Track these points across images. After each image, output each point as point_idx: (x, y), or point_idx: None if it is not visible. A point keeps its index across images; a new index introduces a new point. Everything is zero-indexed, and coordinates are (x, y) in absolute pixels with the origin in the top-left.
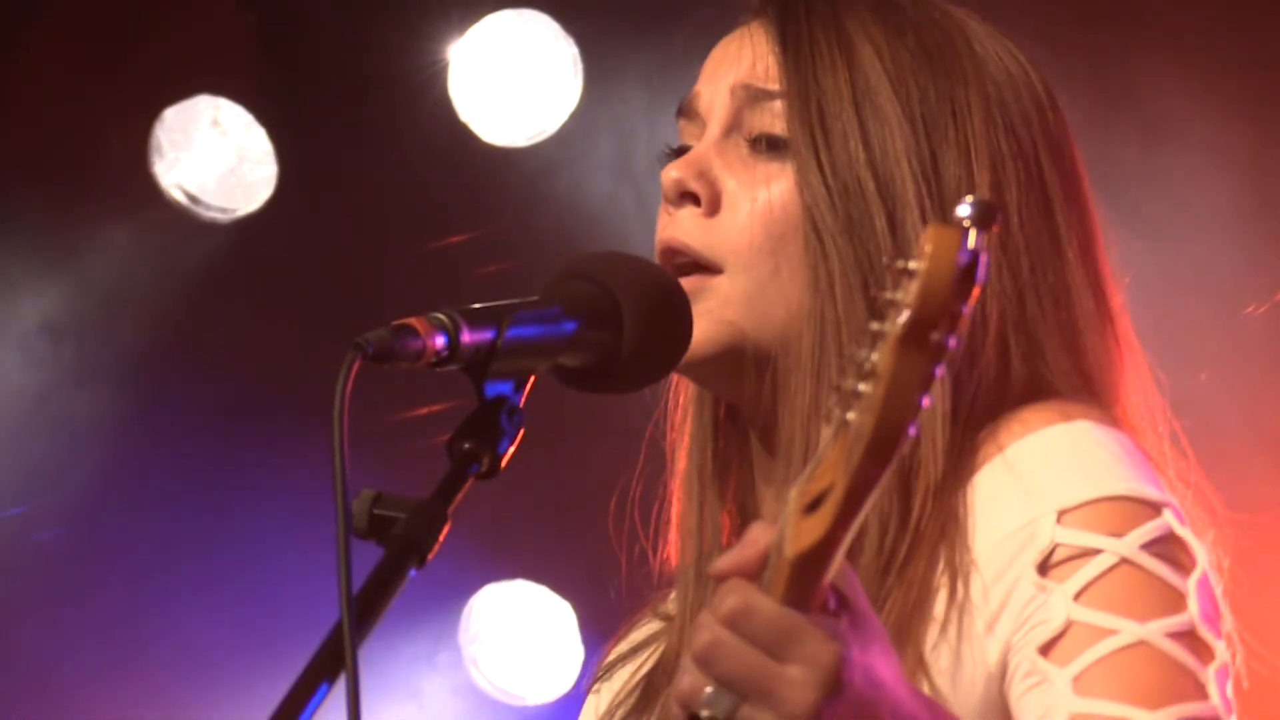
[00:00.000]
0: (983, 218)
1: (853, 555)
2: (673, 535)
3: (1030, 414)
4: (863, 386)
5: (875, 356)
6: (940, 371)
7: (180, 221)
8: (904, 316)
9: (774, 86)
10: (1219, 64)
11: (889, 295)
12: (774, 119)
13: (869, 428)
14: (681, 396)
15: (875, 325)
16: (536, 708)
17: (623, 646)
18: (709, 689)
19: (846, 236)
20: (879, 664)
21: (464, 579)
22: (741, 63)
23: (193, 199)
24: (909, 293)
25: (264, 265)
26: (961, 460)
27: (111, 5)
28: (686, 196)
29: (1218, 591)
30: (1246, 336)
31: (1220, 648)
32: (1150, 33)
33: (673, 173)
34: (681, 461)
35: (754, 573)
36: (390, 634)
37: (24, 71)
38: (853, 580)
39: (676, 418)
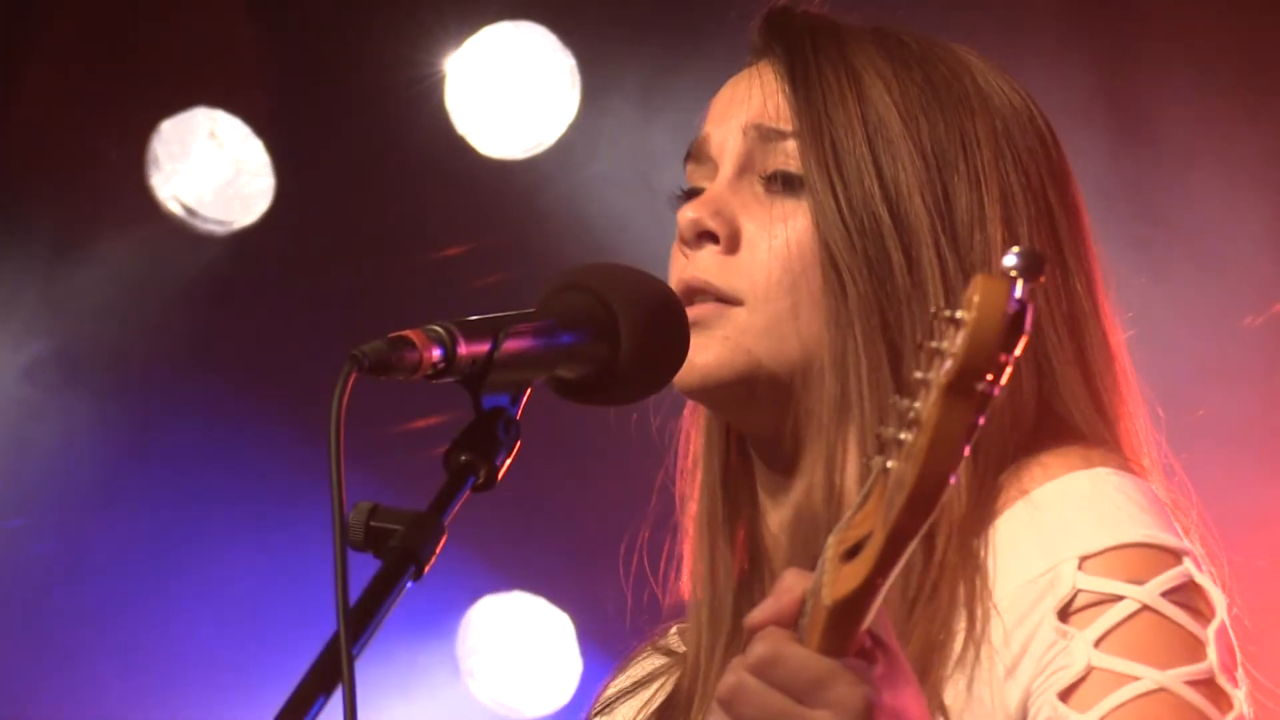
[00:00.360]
0: (1030, 268)
1: None
2: (685, 572)
3: (1051, 459)
4: (904, 435)
5: (918, 405)
6: (983, 420)
7: (177, 234)
8: (950, 366)
9: (786, 126)
10: (1228, 72)
11: (934, 344)
12: (787, 158)
13: (912, 477)
14: (693, 445)
15: (919, 374)
16: None
17: (623, 681)
18: None
19: (865, 272)
20: (909, 708)
21: (461, 590)
22: (751, 103)
23: (190, 211)
24: (955, 343)
25: (261, 277)
26: (983, 501)
27: (109, 18)
28: (705, 236)
29: (1234, 639)
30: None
31: (1237, 697)
32: (1157, 42)
33: (689, 213)
34: (692, 506)
35: (789, 621)
36: (387, 645)
37: (23, 84)
38: (886, 623)
39: (687, 464)
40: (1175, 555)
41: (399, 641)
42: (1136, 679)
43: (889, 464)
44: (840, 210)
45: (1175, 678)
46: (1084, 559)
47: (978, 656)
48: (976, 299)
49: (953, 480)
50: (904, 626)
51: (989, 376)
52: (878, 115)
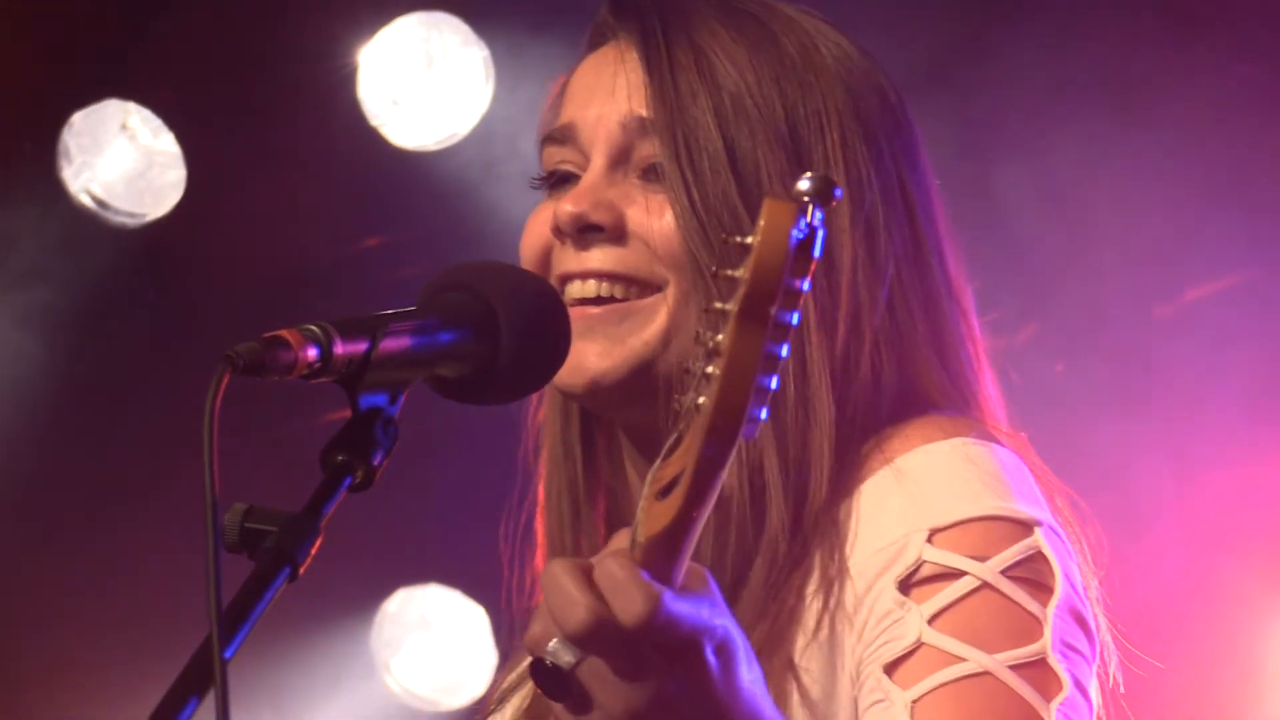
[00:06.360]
0: (821, 192)
1: (742, 573)
2: (541, 557)
3: (912, 429)
4: (710, 368)
5: (720, 337)
6: (785, 352)
7: (88, 226)
8: (740, 292)
9: (651, 118)
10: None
11: (729, 272)
12: (656, 150)
13: (710, 406)
14: (546, 426)
15: (718, 304)
16: (450, 713)
17: (513, 677)
18: (555, 640)
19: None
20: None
21: (376, 583)
22: (618, 93)
23: (101, 203)
24: (746, 268)
25: (173, 270)
26: (845, 471)
27: (20, 7)
28: (589, 229)
29: (1086, 608)
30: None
31: (1067, 678)
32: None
33: (568, 206)
34: (542, 490)
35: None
36: (301, 639)
37: None
38: (710, 583)
39: (532, 442)
40: (1026, 527)
41: (313, 635)
42: (962, 660)
43: (699, 400)
44: (695, 206)
45: (1001, 662)
46: (934, 531)
47: (833, 622)
48: (762, 222)
49: (761, 415)
50: (767, 602)
51: (780, 302)
52: (731, 103)
